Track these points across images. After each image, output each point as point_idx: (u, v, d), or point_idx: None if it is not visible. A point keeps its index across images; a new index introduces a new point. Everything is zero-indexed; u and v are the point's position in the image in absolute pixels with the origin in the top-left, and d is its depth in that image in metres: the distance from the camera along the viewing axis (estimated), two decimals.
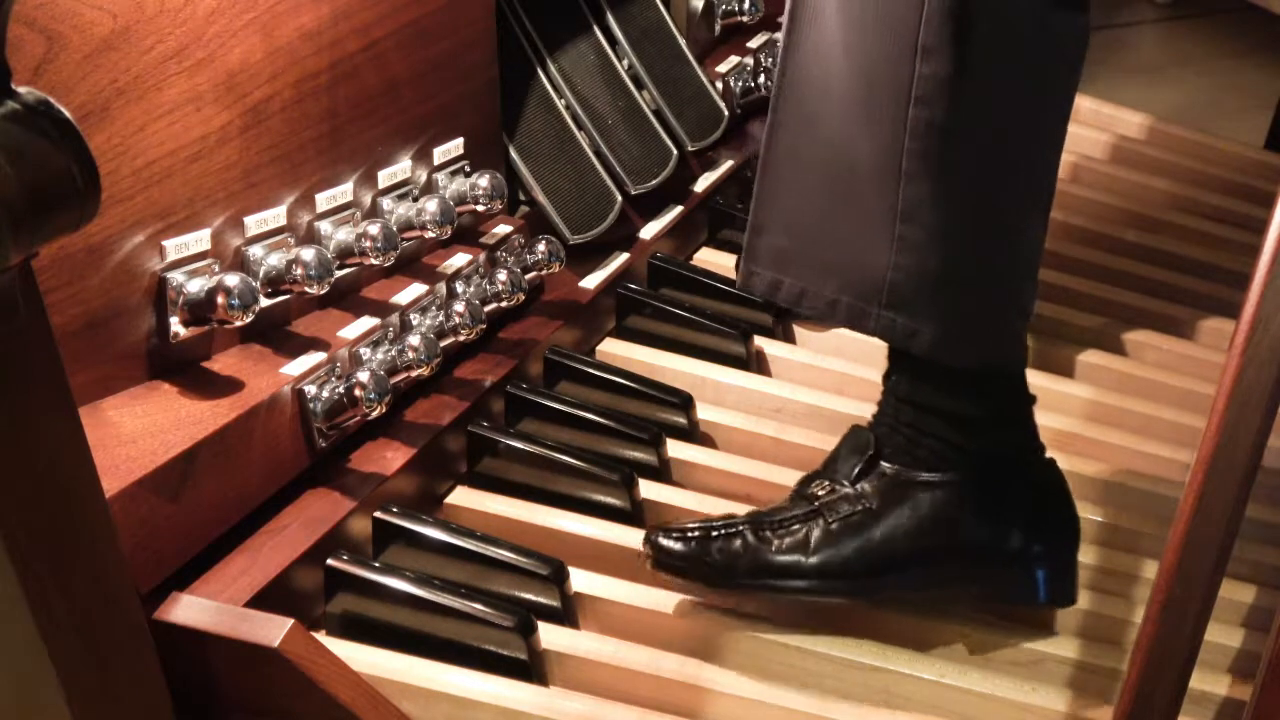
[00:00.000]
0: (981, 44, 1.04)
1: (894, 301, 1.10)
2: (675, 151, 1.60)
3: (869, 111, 1.07)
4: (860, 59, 1.07)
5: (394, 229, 1.21)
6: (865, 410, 1.23)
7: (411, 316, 1.26)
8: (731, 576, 1.12)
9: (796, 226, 1.15)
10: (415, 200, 1.29)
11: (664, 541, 1.13)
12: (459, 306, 1.26)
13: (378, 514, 1.16)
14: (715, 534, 1.12)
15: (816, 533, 1.12)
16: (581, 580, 1.17)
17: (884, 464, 1.15)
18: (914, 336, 1.10)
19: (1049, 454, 1.20)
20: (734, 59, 1.78)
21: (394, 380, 1.18)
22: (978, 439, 1.14)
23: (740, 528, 1.13)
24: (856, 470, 1.15)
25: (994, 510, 1.15)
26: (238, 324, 1.09)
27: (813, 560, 1.12)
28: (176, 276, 1.09)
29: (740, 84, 1.74)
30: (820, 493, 1.15)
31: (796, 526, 1.13)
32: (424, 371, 1.20)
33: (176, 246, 1.09)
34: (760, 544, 1.12)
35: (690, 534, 1.12)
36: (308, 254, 1.13)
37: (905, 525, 1.13)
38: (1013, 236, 1.12)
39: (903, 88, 1.05)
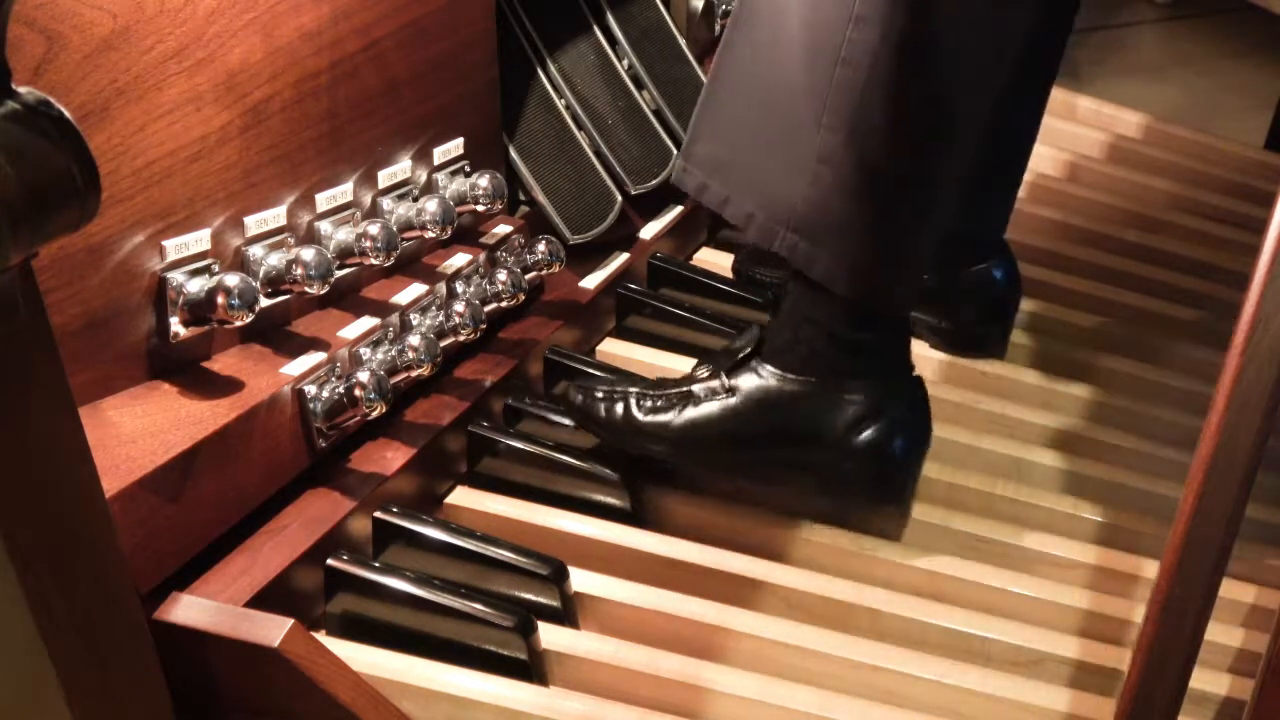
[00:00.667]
0: (913, 22, 1.12)
1: (799, 227, 1.20)
2: (675, 151, 1.60)
3: (806, 58, 1.17)
4: (806, 9, 1.16)
5: (394, 229, 1.21)
6: None
7: (411, 316, 1.26)
8: (612, 434, 1.28)
9: (731, 139, 1.26)
10: (415, 200, 1.29)
11: (570, 393, 1.31)
12: (459, 306, 1.26)
13: (378, 514, 1.16)
14: (606, 395, 1.29)
15: (680, 415, 1.26)
16: (581, 580, 1.17)
17: (759, 363, 1.25)
18: (812, 263, 1.21)
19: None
20: None
21: (394, 380, 1.18)
22: (852, 358, 1.24)
23: (628, 394, 1.28)
24: (734, 364, 1.26)
25: (849, 416, 1.24)
26: (238, 324, 1.09)
27: (674, 436, 1.26)
28: (176, 276, 1.09)
29: None
30: (700, 375, 1.28)
31: (673, 403, 1.27)
32: (424, 371, 1.20)
33: (176, 246, 1.09)
34: (638, 411, 1.27)
35: (591, 392, 1.29)
36: (308, 254, 1.13)
37: (760, 422, 1.25)
38: (915, 198, 1.21)
39: (835, 46, 1.14)
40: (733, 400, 1.25)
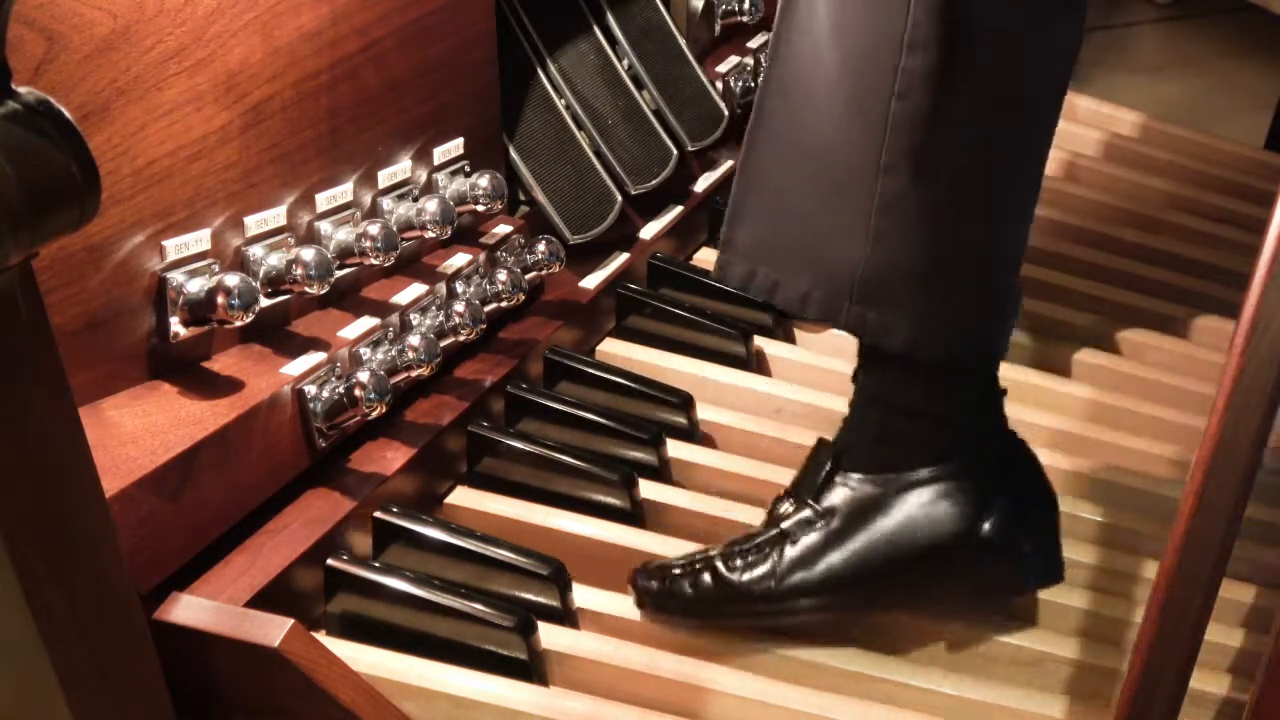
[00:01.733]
0: (968, 42, 1.03)
1: (864, 296, 1.08)
2: (675, 151, 1.60)
3: (853, 103, 1.06)
4: (848, 49, 1.06)
5: (394, 229, 1.21)
6: None
7: (411, 316, 1.26)
8: (710, 608, 1.14)
9: (774, 217, 1.14)
10: (415, 200, 1.29)
11: (641, 581, 1.16)
12: (459, 306, 1.26)
13: (378, 514, 1.16)
14: (685, 569, 1.14)
15: (784, 559, 1.12)
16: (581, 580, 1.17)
17: (847, 475, 1.14)
18: (886, 332, 1.09)
19: (1044, 451, 1.20)
20: (734, 59, 1.78)
21: (394, 380, 1.18)
22: (946, 435, 1.12)
23: (713, 558, 1.14)
24: (819, 485, 1.14)
25: (966, 504, 1.12)
26: (238, 324, 1.09)
27: (783, 586, 1.12)
28: (176, 276, 1.09)
29: (740, 84, 1.74)
30: (787, 510, 1.15)
31: (767, 551, 1.13)
32: (424, 371, 1.20)
33: (176, 246, 1.09)
34: (730, 573, 1.13)
35: (667, 570, 1.15)
36: (308, 254, 1.13)
37: (873, 538, 1.12)
38: (992, 232, 1.11)
39: (886, 80, 1.04)
40: (834, 524, 1.12)
